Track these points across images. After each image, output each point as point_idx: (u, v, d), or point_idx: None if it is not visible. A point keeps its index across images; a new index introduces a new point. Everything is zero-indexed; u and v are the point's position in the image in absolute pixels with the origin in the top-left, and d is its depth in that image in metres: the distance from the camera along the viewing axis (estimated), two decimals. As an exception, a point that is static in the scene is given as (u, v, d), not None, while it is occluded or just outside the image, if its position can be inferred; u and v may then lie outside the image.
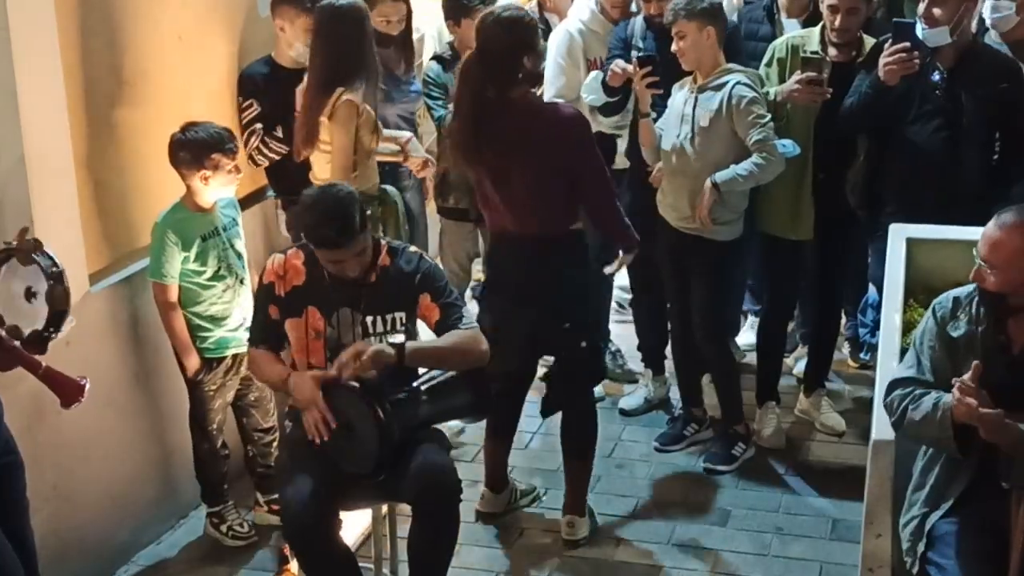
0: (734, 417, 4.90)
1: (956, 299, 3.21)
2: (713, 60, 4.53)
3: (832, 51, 4.62)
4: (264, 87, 4.61)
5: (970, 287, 3.21)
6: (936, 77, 4.39)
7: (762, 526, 4.45)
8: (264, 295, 3.64)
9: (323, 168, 4.41)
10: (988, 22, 4.99)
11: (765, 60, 4.76)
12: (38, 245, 2.97)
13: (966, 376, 2.94)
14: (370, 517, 3.79)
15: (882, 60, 4.30)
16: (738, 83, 4.49)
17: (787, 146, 4.53)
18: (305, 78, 4.44)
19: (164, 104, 4.26)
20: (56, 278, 2.92)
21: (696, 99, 4.54)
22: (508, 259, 4.25)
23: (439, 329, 3.63)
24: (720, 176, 4.44)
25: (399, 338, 3.50)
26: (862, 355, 5.63)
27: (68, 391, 3.03)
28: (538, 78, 4.30)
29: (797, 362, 5.45)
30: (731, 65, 4.57)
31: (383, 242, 3.70)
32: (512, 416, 4.48)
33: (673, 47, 4.51)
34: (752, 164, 4.45)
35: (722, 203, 4.51)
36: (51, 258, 2.96)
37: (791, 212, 4.73)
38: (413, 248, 3.75)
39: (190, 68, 4.46)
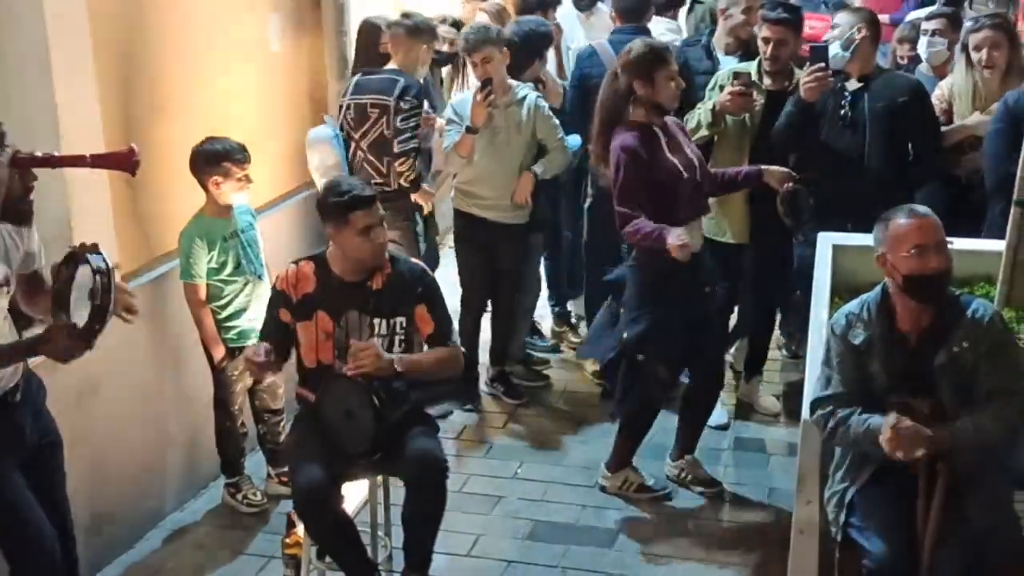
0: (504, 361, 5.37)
1: (848, 314, 3.26)
2: (506, 79, 4.92)
3: (767, 81, 4.73)
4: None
5: (858, 300, 3.28)
6: (846, 94, 4.54)
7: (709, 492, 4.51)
8: (276, 299, 3.66)
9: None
10: (924, 57, 5.14)
11: (710, 86, 4.87)
12: (95, 247, 2.87)
13: (889, 426, 2.98)
14: (367, 488, 3.81)
15: (802, 80, 4.44)
16: (538, 95, 4.95)
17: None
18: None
19: (188, 125, 4.29)
20: (101, 273, 2.80)
21: (505, 113, 4.91)
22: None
23: (431, 341, 3.67)
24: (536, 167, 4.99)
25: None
26: (793, 347, 5.61)
27: (123, 162, 2.95)
28: (656, 107, 4.19)
29: (737, 353, 5.46)
30: (512, 81, 4.97)
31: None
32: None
33: (478, 72, 4.82)
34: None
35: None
36: (103, 257, 2.84)
37: (717, 217, 4.80)
38: (415, 260, 3.78)
39: (211, 95, 4.50)
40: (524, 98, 4.95)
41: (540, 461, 4.82)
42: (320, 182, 4.72)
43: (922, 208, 3.21)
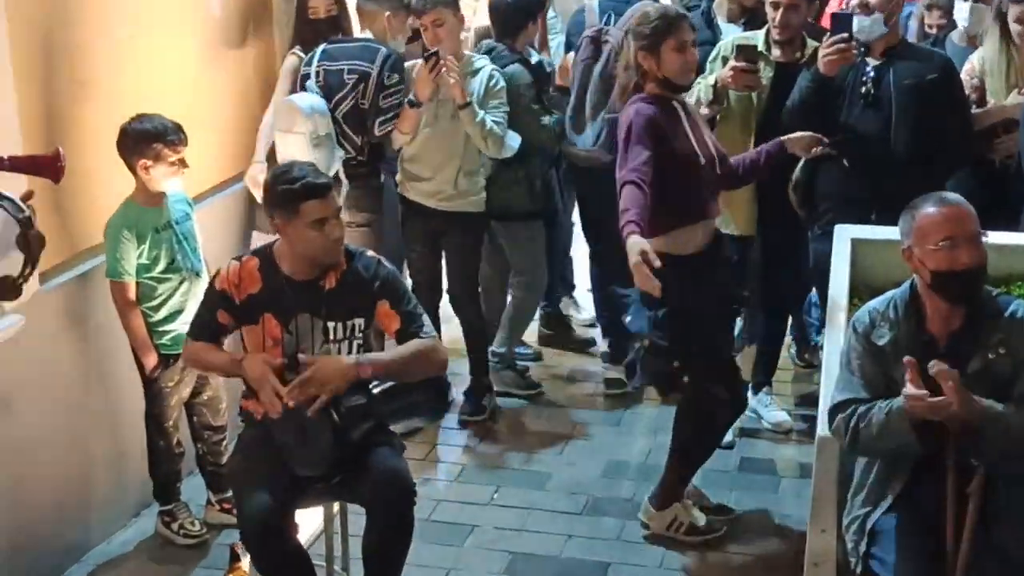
0: (483, 371, 5.11)
1: (872, 311, 3.17)
2: (460, 48, 4.84)
3: (776, 51, 4.58)
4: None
5: (885, 297, 3.19)
6: (868, 70, 4.36)
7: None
8: (214, 299, 3.46)
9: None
10: (962, 25, 5.07)
11: (711, 57, 4.71)
12: None
13: (909, 386, 2.91)
14: (322, 516, 3.69)
15: (821, 51, 4.26)
16: (492, 69, 4.80)
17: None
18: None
19: (116, 103, 4.11)
20: (26, 223, 2.67)
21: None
22: None
23: (399, 338, 3.45)
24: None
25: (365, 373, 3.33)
26: (807, 355, 5.53)
27: (46, 167, 2.85)
28: (665, 83, 3.89)
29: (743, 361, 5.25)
30: (468, 52, 4.92)
31: None
32: None
33: (428, 37, 4.73)
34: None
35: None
36: (14, 202, 2.68)
37: (720, 205, 4.54)
38: (371, 253, 3.57)
39: (142, 67, 4.34)
40: (479, 70, 4.81)
41: (519, 485, 4.67)
42: (312, 154, 4.54)
43: (953, 196, 3.12)
